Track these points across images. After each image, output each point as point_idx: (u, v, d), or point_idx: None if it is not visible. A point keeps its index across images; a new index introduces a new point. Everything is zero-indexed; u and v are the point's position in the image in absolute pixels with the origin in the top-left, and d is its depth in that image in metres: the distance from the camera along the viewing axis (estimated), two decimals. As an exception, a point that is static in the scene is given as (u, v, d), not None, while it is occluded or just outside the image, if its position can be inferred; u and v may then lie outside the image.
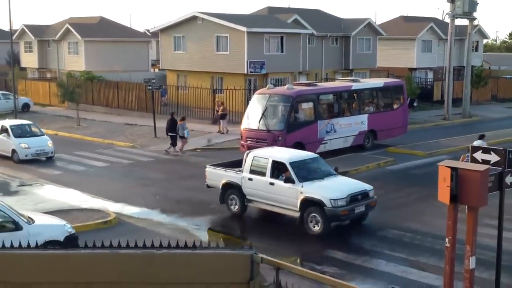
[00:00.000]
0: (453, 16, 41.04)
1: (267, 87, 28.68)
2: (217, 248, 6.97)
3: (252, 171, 18.26)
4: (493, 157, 10.73)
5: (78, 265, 6.93)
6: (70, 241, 14.05)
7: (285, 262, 6.85)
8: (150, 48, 57.60)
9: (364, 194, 17.40)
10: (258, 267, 6.84)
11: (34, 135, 28.03)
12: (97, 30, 52.85)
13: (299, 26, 44.32)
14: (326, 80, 44.65)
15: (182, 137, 29.10)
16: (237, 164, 19.60)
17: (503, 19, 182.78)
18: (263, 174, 17.98)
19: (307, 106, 27.58)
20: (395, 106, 31.45)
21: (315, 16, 48.94)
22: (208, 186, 19.83)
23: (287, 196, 17.30)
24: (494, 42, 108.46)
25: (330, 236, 16.96)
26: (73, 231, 14.63)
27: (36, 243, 8.48)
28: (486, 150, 11.00)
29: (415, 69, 54.46)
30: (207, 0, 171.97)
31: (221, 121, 33.90)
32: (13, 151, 27.23)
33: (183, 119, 29.68)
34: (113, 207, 19.87)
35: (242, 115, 28.38)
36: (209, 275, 6.84)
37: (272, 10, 49.26)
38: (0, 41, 62.85)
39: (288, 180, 17.17)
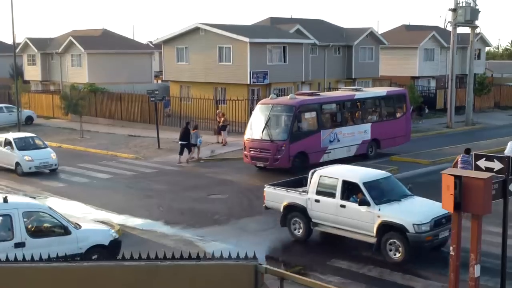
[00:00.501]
0: (455, 25, 41.09)
1: (269, 97, 28.73)
2: (221, 259, 6.98)
3: (319, 192, 16.71)
4: (497, 165, 10.73)
5: (82, 278, 6.94)
6: (114, 246, 14.71)
7: (289, 272, 6.85)
8: (153, 60, 57.79)
9: (448, 217, 14.98)
10: (263, 277, 6.84)
11: (37, 147, 28.09)
12: (100, 42, 53.06)
13: (301, 36, 44.46)
14: (329, 89, 44.72)
15: (195, 145, 29.58)
16: (297, 183, 18.48)
17: (505, 27, 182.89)
18: (332, 195, 16.39)
19: (310, 115, 27.60)
20: (398, 115, 31.45)
21: (317, 26, 49.10)
22: (266, 208, 18.34)
23: (361, 220, 15.68)
24: (497, 50, 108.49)
25: (334, 245, 16.92)
26: (117, 236, 15.28)
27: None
28: (489, 158, 11.00)
29: (417, 77, 54.48)
30: (210, 11, 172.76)
31: (222, 132, 33.74)
32: (17, 163, 27.28)
33: (196, 127, 30.19)
34: (117, 219, 19.87)
35: (245, 125, 28.44)
36: (214, 286, 6.84)
37: (274, 20, 49.43)
38: (4, 54, 63.18)
39: (363, 202, 15.62)
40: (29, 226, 13.57)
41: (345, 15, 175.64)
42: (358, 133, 28.94)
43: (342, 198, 16.24)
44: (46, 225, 13.96)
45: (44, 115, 48.03)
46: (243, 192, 23.55)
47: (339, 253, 16.22)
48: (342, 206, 16.07)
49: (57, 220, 13.91)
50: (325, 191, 16.57)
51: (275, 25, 47.08)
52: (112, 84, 47.14)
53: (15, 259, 7.28)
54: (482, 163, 10.94)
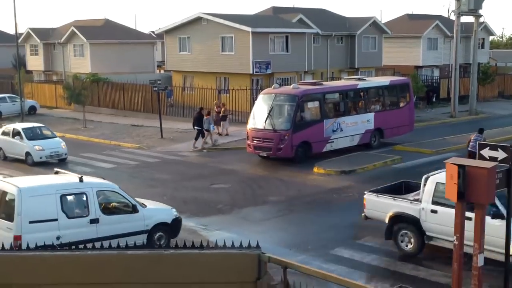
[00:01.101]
0: (459, 14, 40.89)
1: (272, 86, 28.68)
2: (225, 248, 6.98)
3: (435, 202, 14.51)
4: (501, 154, 10.71)
5: (86, 266, 6.96)
6: (176, 223, 15.79)
7: (292, 261, 6.85)
8: (155, 50, 57.71)
9: None
10: (266, 266, 6.85)
11: (46, 137, 28.21)
12: (102, 32, 52.99)
13: (304, 26, 44.31)
14: (332, 79, 44.63)
15: (208, 131, 30.01)
16: (395, 189, 16.56)
17: (509, 16, 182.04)
18: (452, 205, 11.76)
19: (313, 105, 27.55)
20: (401, 104, 31.37)
21: (320, 16, 48.93)
22: (366, 218, 16.28)
23: (493, 236, 12.94)
24: (501, 39, 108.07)
25: (338, 234, 16.94)
26: (178, 215, 16.06)
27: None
28: (493, 147, 10.97)
29: (421, 67, 54.31)
30: (212, 1, 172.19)
31: (222, 122, 33.15)
32: (27, 153, 27.34)
33: (208, 113, 30.54)
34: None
35: (248, 115, 28.40)
36: (217, 275, 6.86)
37: (276, 10, 49.27)
38: (6, 45, 63.14)
39: (497, 215, 13.25)
40: (102, 204, 14.49)
41: (348, 4, 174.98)
42: (361, 122, 28.89)
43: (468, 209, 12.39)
44: (116, 203, 14.89)
45: (47, 105, 48.06)
46: (246, 181, 23.57)
47: (342, 242, 16.24)
48: (468, 218, 11.23)
49: (126, 199, 14.82)
50: (443, 201, 13.81)
51: (277, 14, 46.94)
52: (115, 74, 47.12)
53: (19, 248, 7.30)
54: (486, 152, 10.92)
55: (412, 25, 55.64)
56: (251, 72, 40.35)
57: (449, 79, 47.02)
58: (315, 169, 24.86)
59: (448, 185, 9.50)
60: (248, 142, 26.91)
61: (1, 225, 13.51)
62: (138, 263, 6.92)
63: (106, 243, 7.94)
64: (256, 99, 28.61)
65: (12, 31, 60.85)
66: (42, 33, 57.39)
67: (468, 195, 9.36)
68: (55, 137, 28.59)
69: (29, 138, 27.55)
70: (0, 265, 6.89)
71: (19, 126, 28.89)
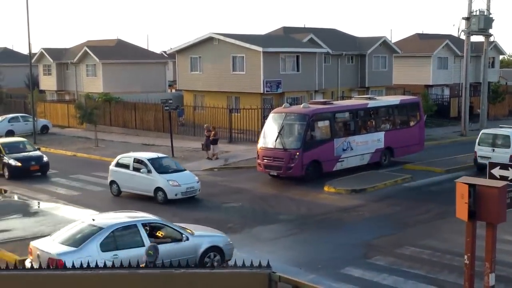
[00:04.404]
0: (469, 33, 40.96)
1: (283, 106, 28.80)
2: (235, 268, 7.02)
3: None
4: (511, 173, 10.69)
5: (97, 286, 7.00)
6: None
7: (302, 280, 6.88)
8: (167, 69, 58.16)
9: None
10: (276, 285, 6.87)
11: (177, 170, 24.26)
12: (115, 52, 53.49)
13: (314, 45, 44.53)
14: (343, 98, 44.71)
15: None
16: None
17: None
18: None
19: (323, 124, 27.61)
20: (411, 123, 31.38)
21: (331, 35, 49.17)
22: None
23: None
24: (511, 58, 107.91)
25: (348, 253, 16.90)
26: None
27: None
28: (504, 166, 10.97)
29: (431, 86, 54.31)
30: (223, 21, 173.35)
31: (212, 146, 32.02)
32: (158, 189, 23.46)
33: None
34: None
35: (259, 134, 28.49)
36: (228, 294, 6.88)
37: (287, 30, 49.57)
38: (20, 64, 63.92)
39: None
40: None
41: (358, 24, 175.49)
42: (372, 141, 28.90)
43: None
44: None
45: (59, 124, 48.43)
46: (256, 200, 23.59)
47: (353, 261, 16.19)
48: None
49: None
50: None
51: (288, 34, 47.21)
52: (127, 94, 47.46)
53: (32, 267, 7.37)
54: (496, 171, 10.91)
55: (422, 44, 55.75)
56: (262, 91, 40.53)
57: (459, 98, 46.94)
58: (326, 188, 24.85)
59: (459, 204, 9.50)
60: (259, 161, 26.96)
61: None
62: (150, 283, 6.96)
63: None
64: (267, 118, 28.72)
65: (25, 51, 61.58)
66: (55, 53, 58.03)
67: (479, 215, 9.36)
68: (185, 170, 24.75)
69: (159, 172, 23.51)
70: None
71: (142, 155, 24.99)
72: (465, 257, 9.63)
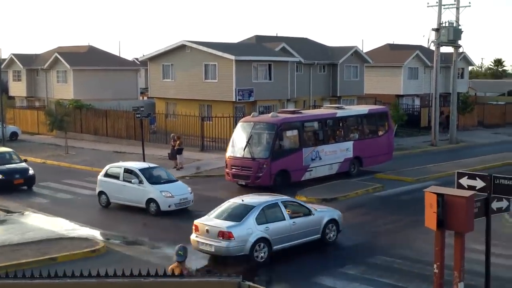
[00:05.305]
0: (438, 44, 41.56)
1: (251, 115, 28.76)
2: (204, 276, 6.97)
3: None
4: (479, 183, 10.82)
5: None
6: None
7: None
8: (138, 76, 57.81)
9: None
10: (246, 294, 6.84)
11: (169, 181, 23.57)
12: (86, 58, 53.03)
13: (286, 54, 44.72)
14: (314, 107, 44.93)
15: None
16: None
17: (487, 47, 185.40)
18: None
19: (291, 133, 27.61)
20: (380, 133, 31.60)
21: (303, 44, 49.44)
22: None
23: None
24: (480, 69, 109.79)
25: (320, 262, 16.92)
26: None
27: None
28: (471, 176, 11.09)
29: (402, 96, 54.93)
30: (196, 29, 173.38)
31: (178, 155, 31.78)
32: (150, 201, 22.69)
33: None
34: (101, 236, 19.74)
35: (231, 142, 28.39)
36: (197, 304, 6.83)
37: (260, 38, 49.69)
38: (-12, 70, 62.85)
39: None
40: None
41: (330, 33, 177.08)
42: (340, 151, 28.97)
43: None
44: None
45: (29, 131, 47.76)
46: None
47: (324, 271, 16.21)
48: None
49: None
50: None
51: (260, 43, 47.33)
52: (98, 101, 47.06)
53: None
54: (464, 181, 11.03)
55: (393, 54, 56.39)
56: (234, 100, 40.54)
57: (430, 108, 47.52)
58: (297, 197, 24.83)
59: (428, 214, 9.58)
60: (227, 170, 26.84)
61: None
62: (118, 292, 6.87)
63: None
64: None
65: (-6, 57, 60.56)
66: (25, 59, 57.31)
67: (447, 224, 9.45)
68: (177, 180, 24.12)
69: (151, 182, 22.81)
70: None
71: (133, 165, 23.97)
72: (435, 266, 9.70)
